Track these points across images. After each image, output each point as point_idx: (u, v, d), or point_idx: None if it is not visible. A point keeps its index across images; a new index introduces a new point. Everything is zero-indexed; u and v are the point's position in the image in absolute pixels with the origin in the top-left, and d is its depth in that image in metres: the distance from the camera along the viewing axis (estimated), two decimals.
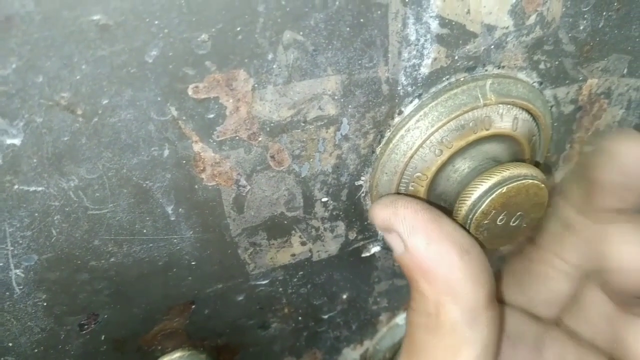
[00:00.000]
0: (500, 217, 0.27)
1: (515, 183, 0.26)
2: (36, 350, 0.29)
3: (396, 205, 0.26)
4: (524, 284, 0.32)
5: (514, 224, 0.27)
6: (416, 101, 0.28)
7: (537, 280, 0.32)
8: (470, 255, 0.25)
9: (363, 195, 0.31)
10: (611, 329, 0.28)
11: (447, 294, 0.25)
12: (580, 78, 0.32)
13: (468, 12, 0.25)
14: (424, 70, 0.27)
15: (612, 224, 0.26)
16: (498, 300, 0.27)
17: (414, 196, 0.29)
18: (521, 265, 0.33)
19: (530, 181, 0.26)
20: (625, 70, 0.33)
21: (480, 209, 0.26)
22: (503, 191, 0.26)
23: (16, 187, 0.23)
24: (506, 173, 0.26)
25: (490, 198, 0.26)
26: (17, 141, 0.22)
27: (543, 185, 0.27)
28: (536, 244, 0.32)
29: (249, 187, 0.27)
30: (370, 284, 0.38)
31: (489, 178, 0.26)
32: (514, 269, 0.33)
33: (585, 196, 0.28)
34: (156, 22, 0.21)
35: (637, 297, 0.27)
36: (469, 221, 0.26)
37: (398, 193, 0.29)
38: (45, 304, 0.27)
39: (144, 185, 0.25)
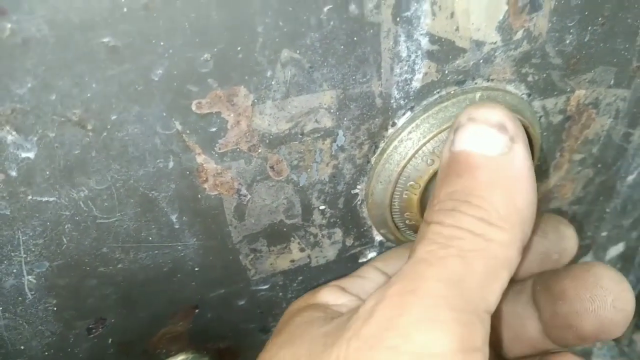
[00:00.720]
0: None
1: None
2: (46, 354, 0.30)
3: (506, 110, 0.25)
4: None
5: None
6: (408, 113, 0.29)
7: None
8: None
9: (359, 203, 0.32)
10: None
11: (521, 215, 0.23)
12: (568, 89, 0.33)
13: (457, 29, 0.27)
14: (416, 85, 0.28)
15: (609, 268, 0.28)
16: None
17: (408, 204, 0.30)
18: None
19: None
20: (612, 81, 0.34)
21: None
22: None
23: (30, 197, 0.24)
24: None
25: None
26: (31, 155, 0.23)
27: None
28: None
29: (249, 196, 0.29)
30: None
31: None
32: None
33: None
34: (161, 43, 0.22)
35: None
36: None
37: (392, 202, 0.30)
38: (55, 308, 0.29)
39: (150, 195, 0.26)
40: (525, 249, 0.31)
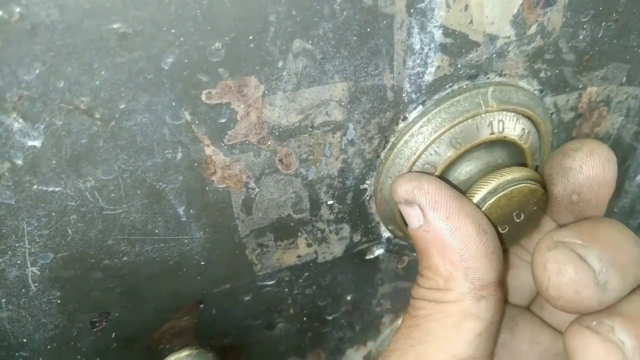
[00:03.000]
0: (501, 220, 0.28)
1: (515, 186, 0.27)
2: (49, 347, 0.30)
3: (420, 180, 0.26)
4: None
5: (513, 227, 0.28)
6: (420, 108, 0.28)
7: (506, 271, 0.33)
8: (487, 234, 0.26)
9: (368, 198, 0.32)
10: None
11: (459, 268, 0.25)
12: (580, 86, 0.33)
13: (471, 22, 0.26)
14: (428, 78, 0.28)
15: (538, 253, 0.26)
16: None
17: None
18: None
19: (531, 184, 0.27)
20: (624, 79, 0.34)
21: (485, 208, 0.27)
22: (504, 194, 0.27)
23: (35, 187, 0.24)
24: (507, 176, 0.27)
25: (491, 200, 0.27)
26: (37, 143, 0.23)
27: (542, 188, 0.27)
28: None
29: (257, 190, 0.28)
30: (374, 286, 0.39)
31: (490, 181, 0.27)
32: None
33: (549, 204, 0.29)
34: (172, 31, 0.21)
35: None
36: None
37: None
38: (59, 301, 0.28)
39: (157, 186, 0.26)
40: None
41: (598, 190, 0.27)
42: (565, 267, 0.24)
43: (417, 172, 0.29)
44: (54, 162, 0.23)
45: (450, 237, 0.25)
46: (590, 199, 0.28)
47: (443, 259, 0.26)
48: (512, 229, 0.28)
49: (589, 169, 0.27)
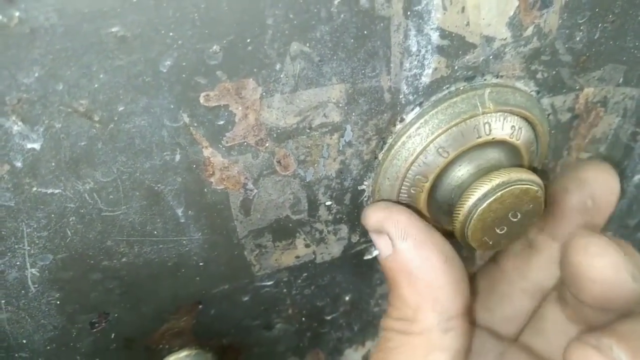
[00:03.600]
0: (497, 221, 0.28)
1: (512, 187, 0.27)
2: (49, 348, 0.30)
3: (391, 209, 0.27)
4: (487, 303, 0.34)
5: (509, 228, 0.28)
6: (417, 109, 0.29)
7: (500, 300, 0.33)
8: (453, 263, 0.26)
9: (366, 199, 0.32)
10: None
11: (427, 299, 0.26)
12: (577, 87, 0.33)
13: (467, 24, 0.27)
14: (425, 80, 0.28)
15: (579, 238, 0.27)
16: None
17: (409, 206, 0.30)
18: (484, 284, 0.34)
19: (527, 186, 0.27)
20: (621, 80, 0.34)
21: (477, 213, 0.27)
22: (500, 195, 0.27)
23: (35, 189, 0.24)
24: (504, 178, 0.27)
25: (487, 202, 0.27)
26: (36, 145, 0.23)
27: (539, 189, 0.28)
28: (499, 264, 0.34)
29: (256, 191, 0.28)
30: (372, 286, 0.39)
31: (487, 182, 0.27)
32: (477, 289, 0.35)
33: (550, 218, 0.30)
34: (171, 34, 0.22)
35: (601, 309, 0.28)
36: (467, 224, 0.27)
37: (399, 199, 0.30)
38: (58, 302, 0.28)
39: (156, 188, 0.26)
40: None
41: (608, 197, 0.31)
42: (608, 250, 0.26)
43: (388, 201, 0.30)
44: (53, 164, 0.23)
45: (418, 268, 0.26)
46: (600, 205, 0.31)
47: (411, 289, 0.26)
48: (510, 228, 0.29)
49: (603, 179, 0.31)
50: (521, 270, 0.33)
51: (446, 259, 0.26)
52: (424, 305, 0.26)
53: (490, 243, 0.29)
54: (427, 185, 0.29)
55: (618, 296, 0.26)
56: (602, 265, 0.26)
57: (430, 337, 0.26)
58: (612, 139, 0.38)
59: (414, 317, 0.26)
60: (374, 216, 0.27)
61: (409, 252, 0.26)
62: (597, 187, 0.30)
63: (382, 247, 0.27)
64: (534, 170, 0.33)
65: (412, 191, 0.30)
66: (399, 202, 0.30)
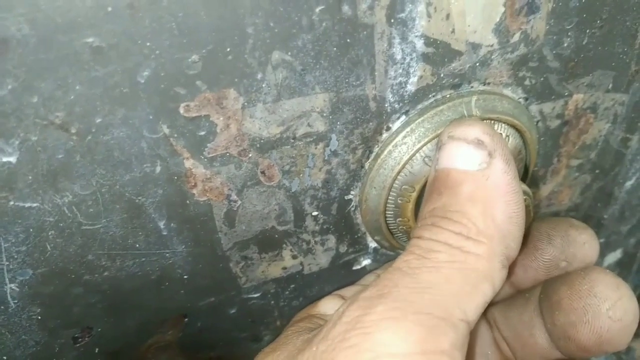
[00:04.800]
0: None
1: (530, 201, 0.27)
2: None
3: (498, 133, 0.25)
4: None
5: None
6: (403, 117, 0.28)
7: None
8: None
9: (353, 209, 0.31)
10: None
11: (502, 228, 0.24)
12: (566, 93, 0.33)
13: (453, 31, 0.26)
14: (411, 88, 0.27)
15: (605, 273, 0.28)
16: None
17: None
18: None
19: (533, 208, 0.27)
20: (611, 86, 0.34)
21: None
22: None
23: (12, 203, 0.23)
24: (527, 188, 0.27)
25: None
26: (12, 159, 0.22)
27: (527, 198, 0.27)
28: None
29: (240, 202, 0.28)
30: None
31: None
32: None
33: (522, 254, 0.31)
34: (148, 44, 0.21)
35: None
36: None
37: (386, 209, 0.30)
38: (39, 317, 0.28)
39: (137, 200, 0.25)
40: (519, 262, 0.31)
41: (582, 266, 0.30)
42: (634, 298, 0.26)
43: None
44: (30, 177, 0.23)
45: (509, 196, 0.24)
46: (572, 270, 0.30)
47: (487, 210, 0.24)
48: None
49: (590, 248, 0.30)
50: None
51: (525, 207, 0.25)
52: (495, 232, 0.23)
53: None
54: (414, 195, 0.29)
55: (619, 341, 0.26)
56: (628, 308, 0.26)
57: (490, 264, 0.23)
58: (602, 145, 0.38)
59: (478, 238, 0.23)
60: (481, 127, 0.25)
61: (507, 176, 0.24)
62: (580, 254, 0.30)
63: (472, 159, 0.24)
64: (523, 178, 0.33)
65: (399, 201, 0.29)
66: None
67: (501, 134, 0.27)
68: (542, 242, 0.31)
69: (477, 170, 0.24)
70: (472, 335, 0.32)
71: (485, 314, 0.33)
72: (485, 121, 0.27)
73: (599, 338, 0.26)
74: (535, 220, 0.32)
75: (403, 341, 0.20)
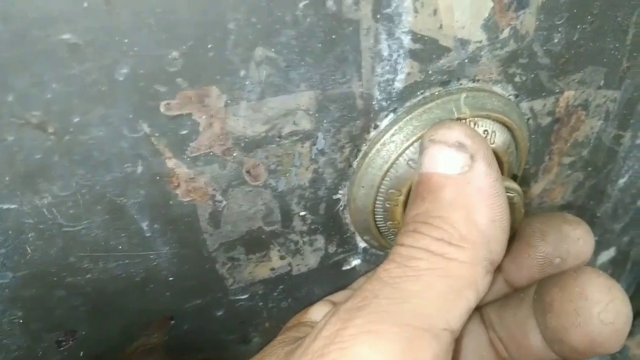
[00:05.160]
0: None
1: (519, 197, 0.26)
2: None
3: (479, 134, 0.25)
4: None
5: None
6: (391, 115, 0.28)
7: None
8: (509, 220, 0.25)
9: (341, 208, 0.31)
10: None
11: (485, 233, 0.23)
12: (557, 90, 0.32)
13: (440, 27, 0.26)
14: (398, 85, 0.27)
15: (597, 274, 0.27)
16: None
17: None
18: None
19: (523, 205, 0.27)
20: (602, 82, 0.34)
21: None
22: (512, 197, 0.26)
23: None
24: (515, 185, 0.26)
25: None
26: None
27: (517, 196, 0.27)
28: None
29: (225, 202, 0.27)
30: None
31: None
32: None
33: (515, 250, 0.31)
34: (126, 41, 0.21)
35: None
36: None
37: (374, 209, 0.29)
38: (21, 321, 0.27)
39: (118, 201, 0.25)
40: (513, 260, 0.30)
41: (576, 263, 0.30)
42: (627, 301, 0.26)
43: None
44: (7, 178, 0.22)
45: (491, 199, 0.23)
46: (566, 267, 0.29)
47: (469, 215, 0.23)
48: None
49: (584, 244, 0.29)
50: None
51: (508, 209, 0.24)
52: (478, 238, 0.23)
53: None
54: (404, 192, 0.28)
55: (611, 345, 0.26)
56: (620, 311, 0.25)
57: (475, 271, 0.22)
58: (594, 143, 0.37)
59: (460, 244, 0.23)
60: (461, 129, 0.24)
61: (490, 179, 0.23)
62: (574, 250, 0.29)
63: (453, 162, 0.24)
64: (513, 176, 0.32)
65: (387, 205, 0.29)
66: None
67: (483, 135, 0.27)
68: (535, 238, 0.30)
69: (458, 174, 0.23)
70: (468, 336, 0.32)
71: (480, 314, 0.33)
72: (466, 123, 0.26)
73: (591, 342, 0.25)
74: (528, 216, 0.32)
75: (382, 355, 0.20)
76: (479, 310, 0.33)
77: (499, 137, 0.29)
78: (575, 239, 0.29)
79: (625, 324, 0.25)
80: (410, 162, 0.27)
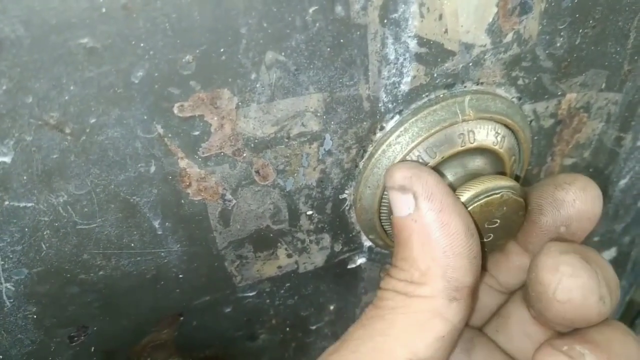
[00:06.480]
0: (482, 224, 0.28)
1: (492, 196, 0.27)
2: None
3: (420, 169, 0.26)
4: None
5: (490, 236, 0.28)
6: (397, 117, 0.28)
7: None
8: (473, 237, 0.25)
9: (347, 208, 0.32)
10: (532, 347, 0.28)
11: (440, 264, 0.24)
12: (559, 93, 0.33)
13: (446, 31, 0.26)
14: (404, 88, 0.27)
15: (550, 256, 0.25)
16: None
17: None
18: None
19: (508, 194, 0.27)
20: (604, 85, 0.34)
21: (471, 208, 0.27)
22: (481, 203, 0.27)
23: (7, 203, 0.23)
24: (484, 186, 0.27)
25: (483, 199, 0.26)
26: (7, 159, 0.22)
27: (520, 197, 0.27)
28: None
29: (234, 202, 0.28)
30: (357, 295, 0.38)
31: (467, 190, 0.27)
32: None
33: (524, 230, 0.30)
34: (142, 45, 0.21)
35: (564, 325, 0.27)
36: None
37: (380, 208, 0.30)
38: (35, 316, 0.28)
39: (131, 200, 0.26)
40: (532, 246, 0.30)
41: (585, 224, 0.28)
42: (579, 272, 0.24)
43: (415, 161, 0.28)
44: (25, 177, 0.23)
45: (438, 231, 0.25)
46: (575, 231, 0.28)
47: (424, 252, 0.25)
48: (495, 235, 0.28)
49: (581, 203, 0.28)
50: (489, 270, 0.32)
51: (467, 230, 0.25)
52: (435, 270, 0.24)
53: None
54: None
55: (583, 318, 0.25)
56: (571, 287, 0.24)
57: (434, 302, 0.24)
58: (596, 144, 0.38)
59: (420, 280, 0.25)
60: (401, 172, 0.25)
61: (432, 213, 0.25)
62: (573, 213, 0.28)
63: (402, 205, 0.26)
64: (516, 177, 0.33)
65: None
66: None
67: (425, 166, 0.28)
68: (535, 214, 0.29)
69: (407, 216, 0.25)
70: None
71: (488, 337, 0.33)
72: (407, 161, 0.28)
73: (565, 320, 0.25)
74: (530, 188, 0.31)
75: None
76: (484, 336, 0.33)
77: (507, 141, 0.30)
78: (571, 202, 0.28)
79: (583, 295, 0.24)
80: (419, 159, 0.28)
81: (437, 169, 0.29)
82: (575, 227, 0.28)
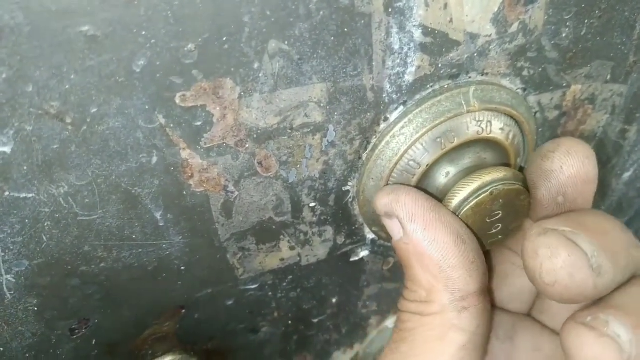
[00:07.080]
0: (483, 220, 0.27)
1: (497, 187, 0.26)
2: (27, 355, 0.29)
3: (398, 192, 0.26)
4: (492, 283, 0.32)
5: (496, 227, 0.28)
6: (401, 108, 0.28)
7: (503, 279, 0.32)
8: (465, 244, 0.25)
9: (350, 200, 0.31)
10: None
11: (439, 279, 0.25)
12: (564, 84, 0.33)
13: (451, 21, 0.26)
14: (408, 78, 0.27)
15: (528, 240, 0.25)
16: None
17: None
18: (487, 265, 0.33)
19: (498, 187, 0.27)
20: (609, 76, 0.34)
21: (463, 212, 0.26)
22: (471, 206, 0.26)
23: (7, 194, 0.23)
24: (489, 177, 0.27)
25: (473, 202, 0.26)
26: (7, 149, 0.22)
27: (514, 185, 0.27)
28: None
29: (237, 193, 0.28)
30: (360, 288, 0.38)
31: (472, 182, 0.27)
32: None
33: (533, 208, 0.29)
34: (143, 33, 0.21)
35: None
36: None
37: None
38: (36, 309, 0.28)
39: (133, 191, 0.25)
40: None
41: (582, 188, 0.28)
42: (557, 251, 0.24)
43: (395, 184, 0.29)
44: (25, 168, 0.23)
45: (428, 249, 0.25)
46: (575, 198, 0.28)
47: (424, 270, 0.26)
48: (503, 225, 0.28)
49: (569, 168, 0.27)
50: (517, 251, 0.32)
51: (456, 238, 0.25)
52: (436, 286, 0.25)
53: (483, 241, 0.28)
54: (412, 185, 0.29)
55: (578, 295, 0.24)
56: (554, 268, 0.24)
57: (445, 317, 0.25)
58: (600, 137, 0.38)
59: (427, 298, 0.26)
60: (382, 200, 0.27)
61: (417, 233, 0.25)
62: (565, 180, 0.27)
63: (394, 231, 0.27)
64: (520, 169, 0.33)
65: None
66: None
67: (403, 186, 0.28)
68: (533, 190, 0.29)
69: (400, 240, 0.26)
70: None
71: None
72: (386, 187, 0.28)
73: (563, 301, 0.25)
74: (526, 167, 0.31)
75: None
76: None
77: (512, 132, 0.29)
78: (559, 170, 0.27)
79: (570, 275, 0.23)
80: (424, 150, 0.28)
81: (439, 162, 0.29)
82: (572, 193, 0.27)
